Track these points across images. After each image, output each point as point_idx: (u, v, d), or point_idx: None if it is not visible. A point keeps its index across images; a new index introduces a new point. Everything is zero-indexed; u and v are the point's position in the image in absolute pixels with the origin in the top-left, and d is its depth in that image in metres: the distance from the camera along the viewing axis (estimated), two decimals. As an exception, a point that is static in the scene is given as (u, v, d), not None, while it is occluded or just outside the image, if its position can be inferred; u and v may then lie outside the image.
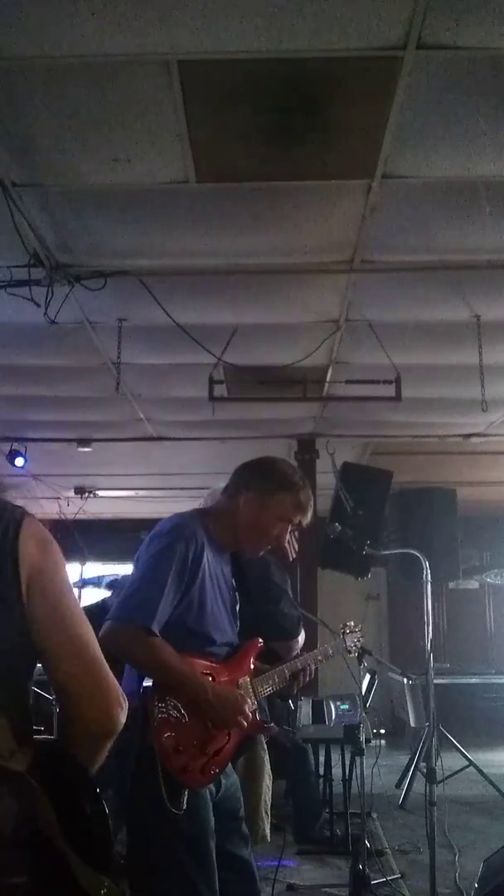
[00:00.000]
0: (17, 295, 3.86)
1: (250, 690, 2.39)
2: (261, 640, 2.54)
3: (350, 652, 3.29)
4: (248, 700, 2.29)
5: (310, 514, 2.54)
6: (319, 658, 2.88)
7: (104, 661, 1.34)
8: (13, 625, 1.26)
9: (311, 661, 2.80)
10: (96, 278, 3.89)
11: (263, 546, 2.50)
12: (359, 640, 3.35)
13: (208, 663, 2.24)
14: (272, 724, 2.62)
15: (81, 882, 1.19)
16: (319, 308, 4.43)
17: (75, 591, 1.41)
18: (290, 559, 3.12)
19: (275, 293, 4.26)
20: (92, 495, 9.00)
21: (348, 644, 3.25)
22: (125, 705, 1.35)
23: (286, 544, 2.68)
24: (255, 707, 2.37)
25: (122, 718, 1.34)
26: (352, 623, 3.37)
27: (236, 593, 2.53)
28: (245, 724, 2.26)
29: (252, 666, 2.47)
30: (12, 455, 6.77)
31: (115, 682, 1.36)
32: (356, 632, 3.34)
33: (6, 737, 1.19)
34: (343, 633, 3.30)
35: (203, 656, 2.23)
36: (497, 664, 9.52)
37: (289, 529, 2.51)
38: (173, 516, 2.42)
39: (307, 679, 2.77)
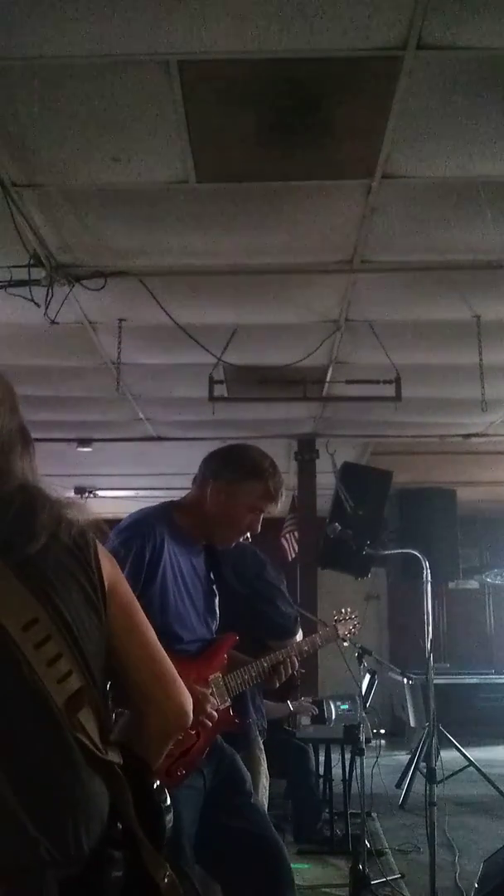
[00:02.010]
0: (17, 295, 3.86)
1: (222, 687, 2.33)
2: (237, 636, 2.46)
3: (345, 640, 3.07)
4: (212, 699, 2.22)
5: (280, 502, 2.43)
6: (305, 649, 2.76)
7: (171, 664, 1.45)
8: (100, 629, 1.33)
9: (294, 653, 2.67)
10: (96, 278, 3.89)
11: (235, 536, 2.43)
12: (355, 628, 3.13)
13: (175, 662, 2.21)
14: (251, 720, 2.56)
15: (149, 867, 1.26)
16: (319, 308, 4.43)
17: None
18: (290, 559, 3.10)
19: (275, 293, 4.26)
20: (92, 495, 9.00)
21: (341, 632, 3.02)
22: (192, 704, 1.47)
23: (282, 540, 2.66)
24: (226, 704, 2.31)
25: (192, 714, 1.46)
26: (347, 609, 3.12)
27: (214, 586, 2.46)
28: (209, 723, 2.19)
29: (225, 661, 2.39)
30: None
31: (182, 683, 1.47)
32: (352, 619, 3.10)
33: (97, 733, 1.26)
34: (336, 620, 3.08)
35: (170, 655, 2.21)
36: (497, 664, 9.52)
37: (260, 518, 2.41)
38: (136, 511, 2.35)
39: (290, 672, 2.63)
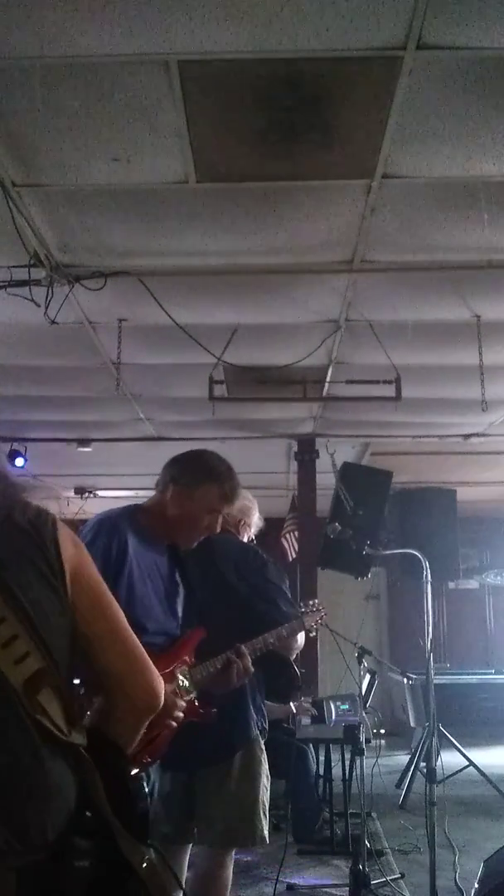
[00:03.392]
0: (17, 295, 3.86)
1: (188, 679, 2.41)
2: (204, 630, 2.55)
3: (311, 632, 3.10)
4: (178, 690, 2.29)
5: (236, 503, 2.59)
6: (271, 641, 2.82)
7: (141, 646, 1.43)
8: (63, 611, 1.32)
9: (261, 645, 2.75)
10: (96, 278, 3.89)
11: (195, 537, 2.53)
12: (322, 619, 3.17)
13: None
14: (215, 710, 2.60)
15: (125, 853, 1.24)
16: (319, 308, 4.43)
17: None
18: (290, 559, 3.12)
19: (275, 293, 4.26)
20: (92, 495, 9.00)
21: (307, 624, 3.05)
22: (163, 686, 1.44)
23: (282, 540, 2.71)
24: (191, 695, 2.39)
25: (163, 696, 1.44)
26: (315, 601, 3.19)
27: (179, 586, 2.55)
28: (178, 714, 2.26)
29: (192, 654, 2.47)
30: (12, 455, 6.77)
31: (153, 666, 1.45)
32: (318, 610, 3.15)
33: (60, 716, 1.24)
34: (302, 612, 3.11)
35: None
36: (497, 664, 9.52)
37: (219, 519, 2.53)
38: (100, 512, 2.46)
39: (247, 675, 2.69)
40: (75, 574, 1.36)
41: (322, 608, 3.20)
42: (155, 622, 2.36)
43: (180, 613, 2.55)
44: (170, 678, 2.31)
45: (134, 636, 1.44)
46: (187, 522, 2.48)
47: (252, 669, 2.65)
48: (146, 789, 1.32)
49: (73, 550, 1.38)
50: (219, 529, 2.57)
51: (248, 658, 2.65)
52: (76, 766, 1.26)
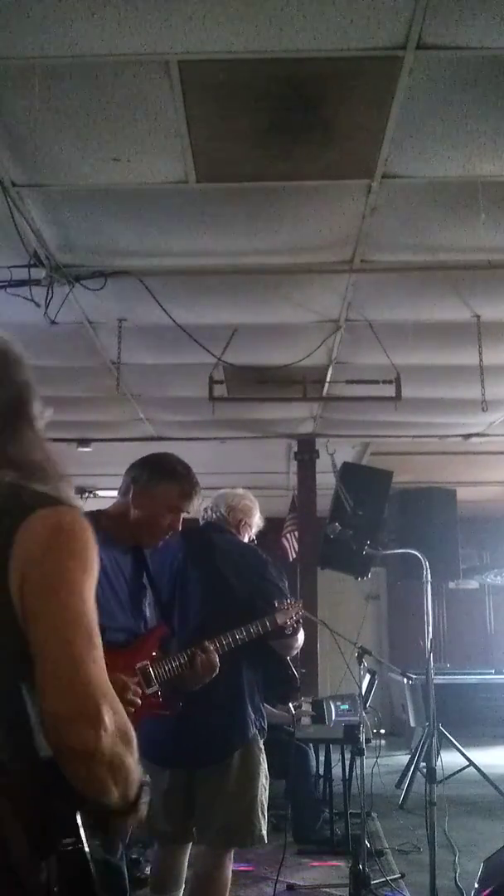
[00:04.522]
0: (17, 295, 3.86)
1: (149, 674, 2.44)
2: (166, 627, 2.61)
3: (286, 630, 3.00)
4: (132, 686, 2.29)
5: (196, 502, 2.65)
6: (239, 637, 2.81)
7: (94, 670, 1.17)
8: (5, 626, 1.19)
9: (229, 641, 2.76)
10: (96, 278, 3.89)
11: (158, 537, 2.61)
12: (297, 616, 3.05)
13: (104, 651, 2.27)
14: (180, 703, 2.60)
15: None
16: (319, 308, 4.43)
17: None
18: (290, 559, 3.11)
19: (275, 293, 4.26)
20: (92, 495, 8.99)
21: (280, 621, 2.96)
22: (109, 725, 1.14)
23: (282, 540, 2.72)
24: (153, 689, 2.43)
25: (104, 739, 1.13)
26: (290, 599, 3.08)
27: (145, 588, 2.60)
28: (130, 708, 2.26)
29: (154, 651, 2.52)
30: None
31: (104, 697, 1.16)
32: (293, 607, 3.05)
33: None
34: (276, 609, 3.00)
35: None
36: (497, 664, 9.52)
37: (180, 518, 2.61)
38: None
39: (212, 670, 2.67)
40: (27, 577, 1.21)
41: (298, 605, 3.11)
42: (110, 618, 2.38)
43: (148, 614, 2.59)
44: (131, 672, 2.36)
45: (83, 654, 1.18)
46: (149, 521, 2.56)
47: (217, 664, 2.67)
48: (89, 856, 1.17)
49: (36, 550, 1.23)
50: (180, 528, 2.64)
51: (214, 654, 2.67)
52: None
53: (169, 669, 2.55)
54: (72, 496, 1.39)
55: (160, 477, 2.59)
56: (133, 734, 1.21)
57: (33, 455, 1.39)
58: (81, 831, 1.17)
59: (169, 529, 2.60)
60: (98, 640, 1.20)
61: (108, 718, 1.13)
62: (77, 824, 1.17)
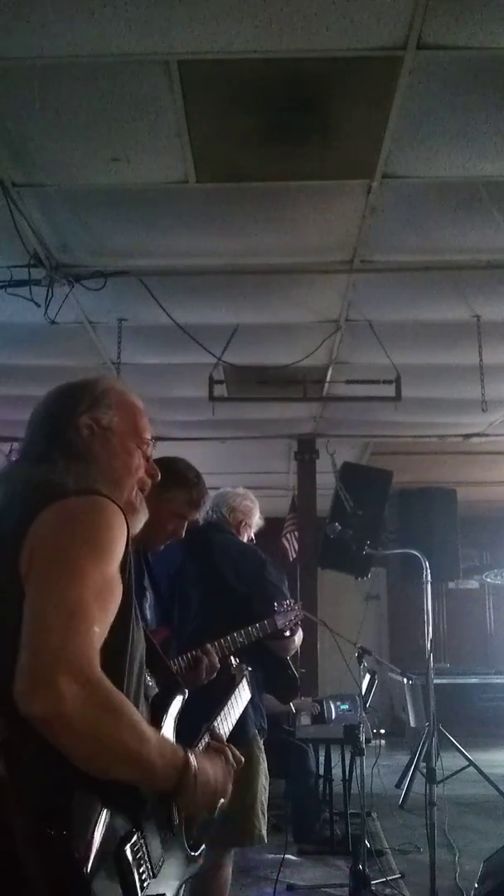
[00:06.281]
0: (17, 295, 3.86)
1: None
2: (168, 630, 2.58)
3: (285, 631, 2.96)
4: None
5: (203, 511, 2.63)
6: (240, 640, 2.77)
7: (55, 642, 1.13)
8: (13, 605, 1.20)
9: (229, 644, 2.70)
10: (96, 278, 3.89)
11: (160, 541, 2.57)
12: (296, 617, 3.02)
13: None
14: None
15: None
16: (319, 308, 4.43)
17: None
18: (290, 559, 3.10)
19: (275, 293, 4.26)
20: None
21: (280, 624, 2.93)
22: (68, 695, 1.09)
23: (282, 540, 2.71)
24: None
25: (64, 707, 1.09)
26: (289, 602, 3.04)
27: (147, 590, 2.57)
28: None
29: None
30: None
31: (65, 668, 1.11)
32: (292, 609, 3.02)
33: None
34: (276, 611, 2.96)
35: None
36: (497, 664, 9.52)
37: (184, 526, 2.57)
38: None
39: (212, 672, 2.62)
40: (34, 561, 1.23)
41: (297, 606, 3.09)
42: None
43: (149, 617, 2.57)
44: None
45: (51, 618, 1.16)
46: (153, 526, 2.45)
47: (218, 666, 2.66)
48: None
49: (45, 533, 1.25)
50: (183, 535, 2.60)
51: (215, 656, 2.65)
52: None
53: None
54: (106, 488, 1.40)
55: (171, 483, 2.48)
56: (127, 711, 1.18)
57: (75, 452, 1.46)
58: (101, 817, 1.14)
59: (172, 535, 2.55)
60: (88, 619, 1.17)
61: (66, 688, 1.09)
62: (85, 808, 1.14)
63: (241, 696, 2.19)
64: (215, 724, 1.83)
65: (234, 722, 2.06)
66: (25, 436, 1.58)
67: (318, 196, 3.34)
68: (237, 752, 1.54)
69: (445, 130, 2.88)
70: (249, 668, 2.67)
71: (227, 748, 1.52)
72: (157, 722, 1.44)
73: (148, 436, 1.59)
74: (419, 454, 7.44)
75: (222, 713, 1.97)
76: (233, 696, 2.14)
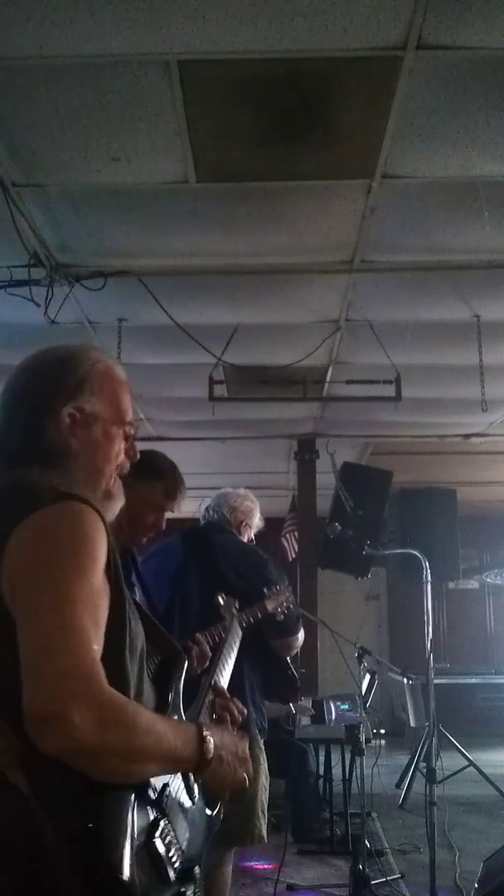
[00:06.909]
0: (17, 295, 3.86)
1: None
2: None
3: (277, 616, 2.92)
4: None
5: (181, 501, 2.63)
6: (239, 626, 2.69)
7: (58, 668, 1.09)
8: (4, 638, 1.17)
9: (216, 633, 2.65)
10: (96, 278, 3.89)
11: (141, 535, 2.59)
12: (286, 602, 2.97)
13: None
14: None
15: None
16: (319, 308, 4.43)
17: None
18: (290, 558, 3.09)
19: (275, 293, 4.26)
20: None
21: (270, 608, 2.88)
22: (81, 723, 1.05)
23: (282, 540, 2.70)
24: None
25: (78, 737, 1.05)
26: (279, 586, 2.99)
27: (135, 586, 2.54)
28: None
29: None
30: None
31: (71, 695, 1.07)
32: (284, 593, 2.96)
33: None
34: (265, 597, 2.91)
35: None
36: (497, 664, 9.52)
37: (164, 517, 2.59)
38: None
39: (204, 660, 2.57)
40: (15, 580, 1.19)
41: (287, 590, 3.03)
42: None
43: (138, 614, 2.57)
44: None
45: (52, 640, 1.12)
46: (133, 521, 2.53)
47: (209, 654, 2.65)
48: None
49: (24, 552, 1.20)
50: (164, 527, 2.61)
51: (205, 645, 2.65)
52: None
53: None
54: (85, 489, 1.36)
55: (145, 474, 2.51)
56: (140, 718, 1.15)
57: (53, 449, 1.39)
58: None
59: (152, 528, 2.57)
60: (86, 640, 1.14)
61: (77, 718, 1.05)
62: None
63: (234, 636, 2.27)
64: (215, 676, 1.87)
65: (233, 664, 2.14)
66: None
67: (318, 196, 3.34)
68: (240, 705, 1.59)
69: (445, 130, 2.88)
70: (237, 605, 2.70)
71: (231, 703, 1.57)
72: (163, 700, 1.45)
73: (130, 416, 1.52)
74: (419, 454, 7.44)
75: (220, 662, 2.00)
76: (227, 642, 2.21)
